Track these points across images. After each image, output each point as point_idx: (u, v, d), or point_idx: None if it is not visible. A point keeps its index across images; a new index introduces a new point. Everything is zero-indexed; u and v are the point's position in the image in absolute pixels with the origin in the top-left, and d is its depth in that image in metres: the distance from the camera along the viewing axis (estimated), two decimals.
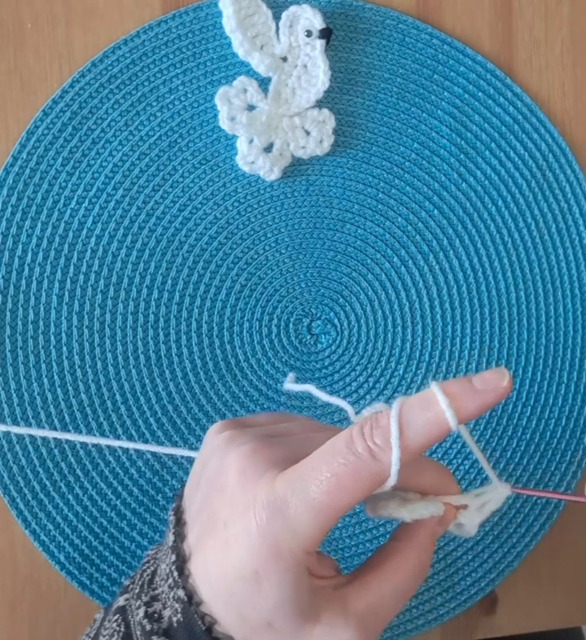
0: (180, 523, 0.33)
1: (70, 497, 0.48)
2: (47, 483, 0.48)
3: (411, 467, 0.31)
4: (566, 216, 0.53)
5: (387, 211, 0.52)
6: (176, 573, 0.31)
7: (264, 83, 0.50)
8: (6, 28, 0.48)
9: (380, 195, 0.52)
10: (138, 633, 0.32)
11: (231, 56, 0.50)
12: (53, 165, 0.49)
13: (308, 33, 0.49)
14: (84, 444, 0.49)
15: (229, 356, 0.50)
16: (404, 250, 0.52)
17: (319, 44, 0.49)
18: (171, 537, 0.33)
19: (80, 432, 0.49)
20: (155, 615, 0.32)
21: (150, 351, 0.49)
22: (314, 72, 0.50)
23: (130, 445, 0.48)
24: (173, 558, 0.32)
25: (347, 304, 0.52)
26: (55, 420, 0.48)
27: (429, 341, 0.52)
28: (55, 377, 0.48)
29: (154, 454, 0.49)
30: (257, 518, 0.29)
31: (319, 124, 0.50)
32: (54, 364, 0.48)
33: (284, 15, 0.49)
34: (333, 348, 0.51)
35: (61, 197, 0.49)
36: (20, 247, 0.48)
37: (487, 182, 0.53)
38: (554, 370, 0.53)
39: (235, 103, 0.49)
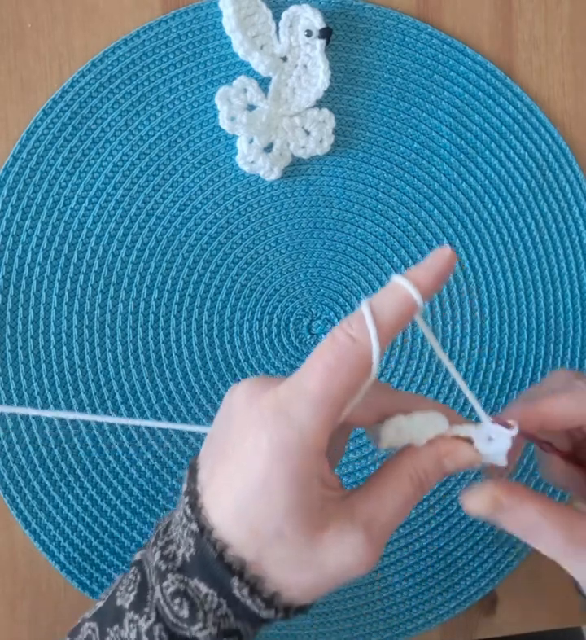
0: (194, 471, 0.34)
1: (70, 496, 0.48)
2: (47, 483, 0.48)
3: (408, 397, 0.34)
4: (566, 216, 0.53)
5: (387, 211, 0.52)
6: (189, 510, 0.32)
7: (264, 83, 0.50)
8: (6, 28, 0.48)
9: (380, 195, 0.52)
10: (154, 577, 0.32)
11: (231, 56, 0.50)
12: (53, 165, 0.49)
13: (308, 33, 0.49)
14: (84, 445, 0.49)
15: (229, 356, 0.50)
16: (404, 250, 0.52)
17: (319, 44, 0.49)
18: (185, 486, 0.33)
19: (80, 432, 0.49)
20: (170, 555, 0.32)
21: (150, 351, 0.49)
22: (314, 71, 0.50)
23: (138, 423, 0.48)
24: (187, 500, 0.32)
25: (347, 304, 0.52)
26: (55, 419, 0.48)
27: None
28: (55, 377, 0.48)
29: (154, 454, 0.49)
30: (263, 427, 0.30)
31: (319, 124, 0.50)
32: (54, 364, 0.48)
33: (284, 14, 0.49)
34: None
35: (61, 197, 0.49)
36: (20, 246, 0.48)
37: (487, 182, 0.53)
38: (554, 370, 0.53)
39: (235, 102, 0.49)
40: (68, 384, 0.49)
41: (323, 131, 0.50)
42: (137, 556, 0.34)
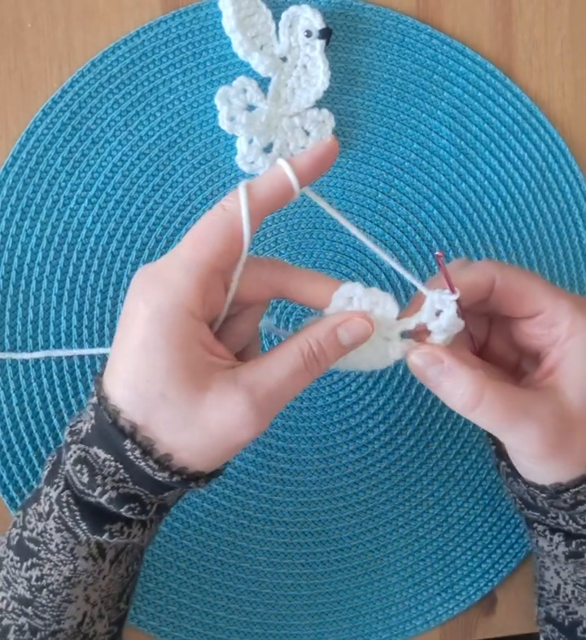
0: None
1: None
2: None
3: (305, 274, 0.36)
4: (566, 217, 0.53)
5: (387, 211, 0.52)
6: (92, 387, 0.35)
7: (263, 83, 0.50)
8: (6, 28, 0.48)
9: (379, 196, 0.52)
10: (64, 453, 0.35)
11: (231, 56, 0.50)
12: (52, 165, 0.49)
13: (308, 33, 0.49)
14: None
15: None
16: (404, 250, 0.52)
17: (319, 44, 0.49)
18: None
19: None
20: (76, 430, 0.35)
21: None
22: (314, 72, 0.50)
23: None
24: (93, 387, 0.35)
25: None
26: (54, 420, 0.48)
27: None
28: (55, 377, 0.48)
29: None
30: (140, 293, 0.33)
31: (319, 125, 0.50)
32: (53, 363, 0.48)
33: (284, 15, 0.49)
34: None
35: (60, 197, 0.49)
36: (20, 246, 0.48)
37: (486, 183, 0.53)
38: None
39: (235, 103, 0.49)
40: (68, 384, 0.49)
41: (323, 131, 0.50)
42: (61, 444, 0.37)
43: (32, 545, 0.36)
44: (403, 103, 0.52)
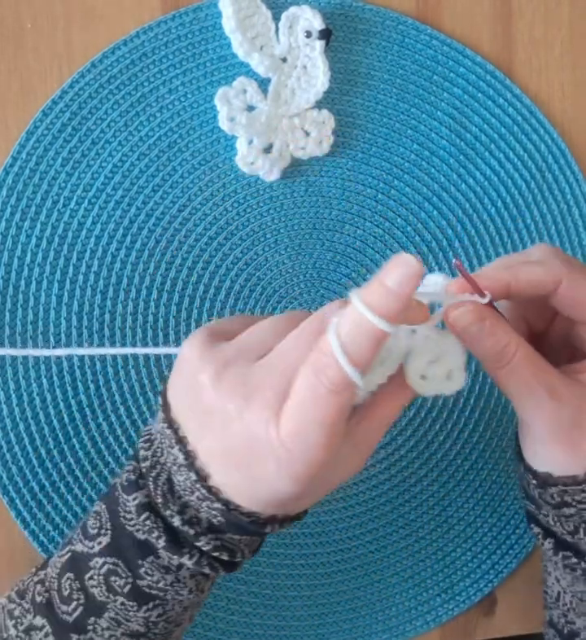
0: (172, 422, 0.35)
1: (69, 497, 0.48)
2: (46, 483, 0.48)
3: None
4: (566, 218, 0.53)
5: (387, 212, 0.52)
6: (203, 491, 0.34)
7: (263, 84, 0.50)
8: (6, 28, 0.48)
9: (379, 196, 0.52)
10: (183, 534, 0.35)
11: (231, 57, 0.50)
12: (52, 166, 0.49)
13: (308, 34, 0.49)
14: (83, 446, 0.48)
15: None
16: (404, 251, 0.52)
17: (319, 45, 0.49)
18: (178, 452, 0.34)
19: (79, 433, 0.49)
20: (193, 519, 0.35)
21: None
22: (314, 72, 0.50)
23: (128, 351, 0.49)
24: (193, 476, 0.34)
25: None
26: (54, 420, 0.48)
27: None
28: (55, 378, 0.48)
29: None
30: (276, 454, 0.32)
31: (318, 125, 0.50)
32: (53, 364, 0.48)
33: (284, 15, 0.49)
34: None
35: (60, 197, 0.49)
36: (20, 247, 0.48)
37: (486, 183, 0.53)
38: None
39: (235, 103, 0.49)
40: (68, 385, 0.49)
41: (322, 132, 0.50)
42: (141, 498, 0.35)
43: (156, 593, 0.36)
44: (403, 104, 0.52)
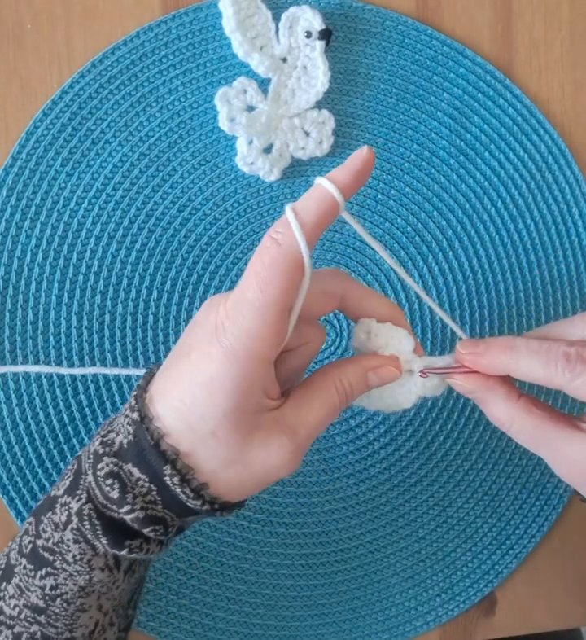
0: (150, 373, 0.36)
1: None
2: (46, 484, 0.48)
3: (359, 295, 0.37)
4: (566, 218, 0.53)
5: (387, 212, 0.52)
6: (133, 401, 0.34)
7: (263, 84, 0.50)
8: (6, 28, 0.48)
9: (379, 196, 0.52)
10: (89, 462, 0.35)
11: (231, 57, 0.50)
12: (52, 166, 0.49)
13: (308, 34, 0.49)
14: (83, 446, 0.48)
15: None
16: (404, 251, 0.52)
17: (319, 45, 0.49)
18: (143, 377, 0.36)
19: (79, 433, 0.49)
20: (109, 442, 0.35)
21: (149, 352, 0.49)
22: (314, 73, 0.50)
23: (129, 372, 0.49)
24: (134, 392, 0.35)
25: None
26: (54, 420, 0.48)
27: (429, 342, 0.52)
28: (54, 377, 0.48)
29: None
30: (215, 335, 0.33)
31: (318, 125, 0.50)
32: (52, 365, 0.48)
33: (284, 16, 0.49)
34: (332, 348, 0.51)
35: (60, 198, 0.49)
36: (19, 247, 0.48)
37: (486, 184, 0.53)
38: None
39: (235, 103, 0.49)
40: (67, 385, 0.49)
41: (322, 132, 0.50)
42: (80, 452, 0.37)
43: (47, 555, 0.36)
44: (403, 104, 0.52)
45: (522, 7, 0.54)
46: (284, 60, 0.50)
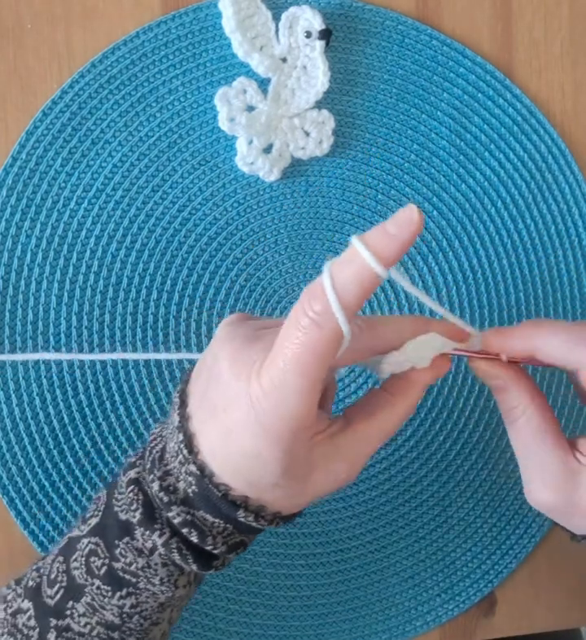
0: (184, 405, 0.36)
1: (69, 498, 0.48)
2: (46, 484, 0.48)
3: (388, 326, 0.36)
4: (566, 218, 0.53)
5: (387, 212, 0.52)
6: (185, 451, 0.34)
7: (263, 84, 0.50)
8: (6, 28, 0.48)
9: (379, 196, 0.52)
10: (157, 502, 0.35)
11: (231, 57, 0.50)
12: (52, 166, 0.49)
13: (308, 34, 0.49)
14: (83, 446, 0.49)
15: None
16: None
17: (319, 45, 0.49)
18: (176, 418, 0.35)
19: (79, 433, 0.49)
20: (170, 487, 0.35)
21: (149, 352, 0.49)
22: (314, 73, 0.50)
23: (134, 357, 0.49)
24: (181, 437, 0.34)
25: None
26: (54, 421, 0.48)
27: None
28: (54, 378, 0.48)
29: None
30: (255, 409, 0.32)
31: (318, 125, 0.50)
32: (52, 364, 0.48)
33: (284, 16, 0.49)
34: None
35: (60, 197, 0.49)
36: (19, 247, 0.48)
37: (486, 184, 0.53)
38: (554, 371, 0.53)
39: (235, 103, 0.49)
40: (67, 385, 0.49)
41: (322, 132, 0.50)
42: (132, 474, 0.36)
43: (129, 577, 0.36)
44: (403, 104, 0.52)
45: (522, 7, 0.54)
46: (284, 60, 0.50)
